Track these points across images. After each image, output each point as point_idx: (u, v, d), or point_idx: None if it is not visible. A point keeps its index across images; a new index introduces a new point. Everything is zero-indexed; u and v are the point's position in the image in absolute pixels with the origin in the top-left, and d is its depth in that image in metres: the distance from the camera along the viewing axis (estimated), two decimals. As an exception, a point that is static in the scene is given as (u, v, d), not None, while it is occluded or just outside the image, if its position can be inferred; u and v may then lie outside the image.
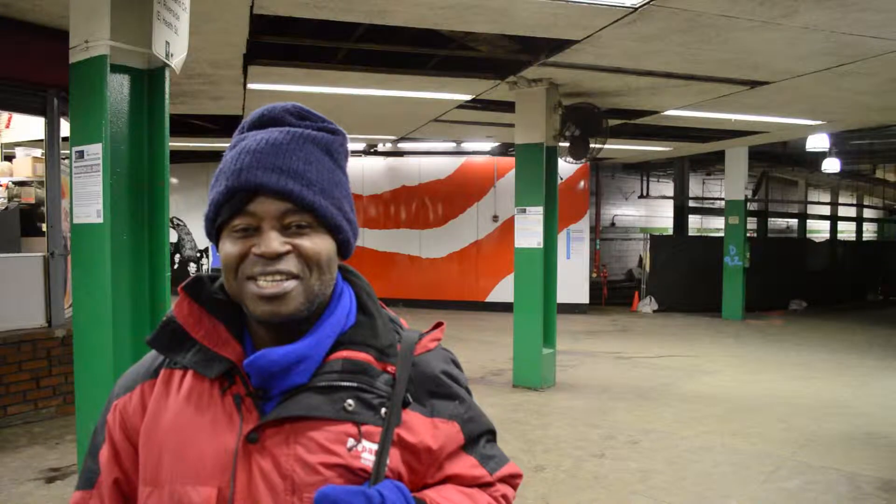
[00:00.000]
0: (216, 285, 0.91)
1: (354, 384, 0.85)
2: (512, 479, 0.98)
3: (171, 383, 0.89)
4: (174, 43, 3.14)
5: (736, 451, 4.80)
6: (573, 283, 12.16)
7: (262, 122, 0.86)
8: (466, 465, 0.92)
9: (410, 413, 0.88)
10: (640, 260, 14.86)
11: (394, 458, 0.85)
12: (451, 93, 7.13)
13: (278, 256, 0.81)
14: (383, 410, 0.85)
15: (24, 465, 4.26)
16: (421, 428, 0.88)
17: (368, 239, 13.03)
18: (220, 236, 0.86)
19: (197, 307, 0.88)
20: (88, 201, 3.07)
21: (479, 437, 0.95)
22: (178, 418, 0.86)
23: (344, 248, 0.89)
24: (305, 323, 0.86)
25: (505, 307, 10.87)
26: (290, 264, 0.82)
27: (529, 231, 6.69)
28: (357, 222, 0.92)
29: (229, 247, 0.83)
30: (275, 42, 5.55)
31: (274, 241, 0.81)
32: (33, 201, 6.15)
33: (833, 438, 5.12)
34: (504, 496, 0.95)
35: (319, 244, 0.84)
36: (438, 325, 0.99)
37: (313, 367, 0.85)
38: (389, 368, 0.88)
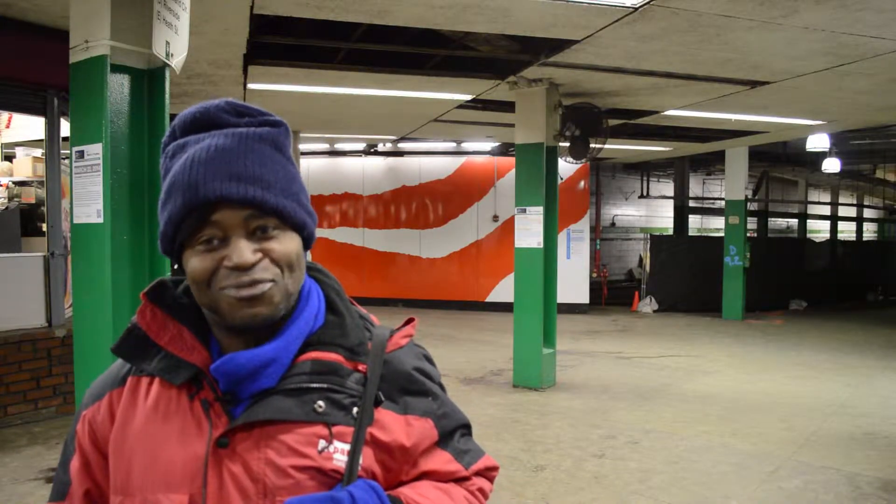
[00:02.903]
0: (180, 289, 0.89)
1: (324, 385, 0.84)
2: (488, 472, 0.98)
3: (138, 391, 0.88)
4: (174, 43, 3.14)
5: (736, 451, 4.80)
6: (573, 283, 12.15)
7: (199, 125, 0.82)
8: (441, 460, 0.92)
9: (383, 411, 0.87)
10: (640, 260, 14.86)
11: (367, 458, 0.84)
12: (451, 93, 7.13)
13: (251, 265, 0.80)
14: (355, 410, 0.85)
15: (24, 465, 4.26)
16: (394, 426, 0.87)
17: (368, 239, 13.03)
18: (181, 252, 0.83)
19: (161, 313, 0.87)
20: (88, 201, 3.07)
21: (453, 431, 0.95)
22: (147, 426, 0.85)
23: (308, 242, 0.88)
24: (273, 325, 0.85)
25: (505, 307, 10.87)
26: (265, 271, 0.81)
27: (529, 231, 6.69)
28: (315, 212, 0.90)
29: (197, 262, 0.80)
30: (275, 42, 5.55)
31: (245, 252, 0.79)
32: (33, 201, 6.15)
33: (833, 438, 5.12)
34: (480, 489, 0.95)
35: (288, 245, 0.83)
36: (410, 320, 0.99)
37: (282, 369, 0.84)
38: (360, 367, 0.88)
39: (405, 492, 0.87)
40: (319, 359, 0.86)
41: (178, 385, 0.85)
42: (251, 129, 0.82)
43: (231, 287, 0.79)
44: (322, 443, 0.82)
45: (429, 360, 0.97)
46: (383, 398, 0.88)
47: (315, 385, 0.84)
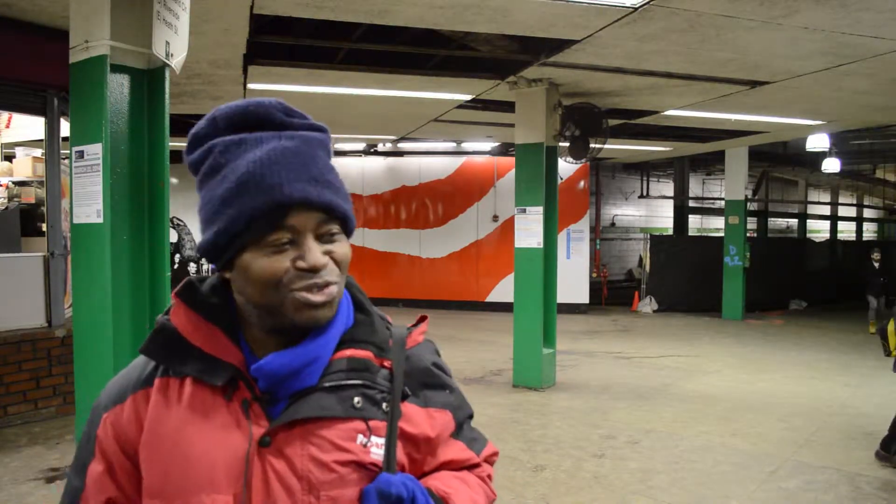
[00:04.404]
0: (205, 289, 0.90)
1: (359, 382, 0.87)
2: (492, 458, 1.04)
3: (169, 392, 0.87)
4: (174, 43, 3.14)
5: (736, 451, 4.80)
6: (573, 283, 12.15)
7: (252, 120, 0.83)
8: (457, 449, 0.96)
9: (408, 405, 0.90)
10: (640, 260, 14.86)
11: (398, 450, 0.88)
12: (451, 93, 7.13)
13: (323, 267, 0.82)
14: (384, 405, 0.88)
15: (24, 465, 4.26)
16: (418, 419, 0.91)
17: (368, 239, 13.03)
18: (239, 252, 0.82)
19: (193, 314, 0.87)
20: (88, 201, 3.07)
21: (463, 422, 0.99)
22: (184, 428, 0.84)
23: None
24: None
25: (505, 307, 10.87)
26: (332, 273, 0.84)
27: (529, 231, 6.69)
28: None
29: (267, 263, 0.81)
30: (275, 42, 5.55)
31: (318, 255, 0.82)
32: (33, 201, 6.15)
33: (833, 438, 5.12)
34: (489, 475, 1.01)
35: (346, 248, 0.87)
36: (423, 318, 1.02)
37: (322, 368, 0.86)
38: (386, 363, 0.91)
39: (433, 483, 0.90)
40: (354, 356, 0.89)
41: (215, 386, 0.85)
42: (310, 133, 0.85)
43: (302, 290, 0.81)
44: (361, 437, 0.85)
45: (439, 354, 1.02)
46: (410, 393, 0.91)
47: (352, 382, 0.87)
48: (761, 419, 5.61)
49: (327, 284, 0.82)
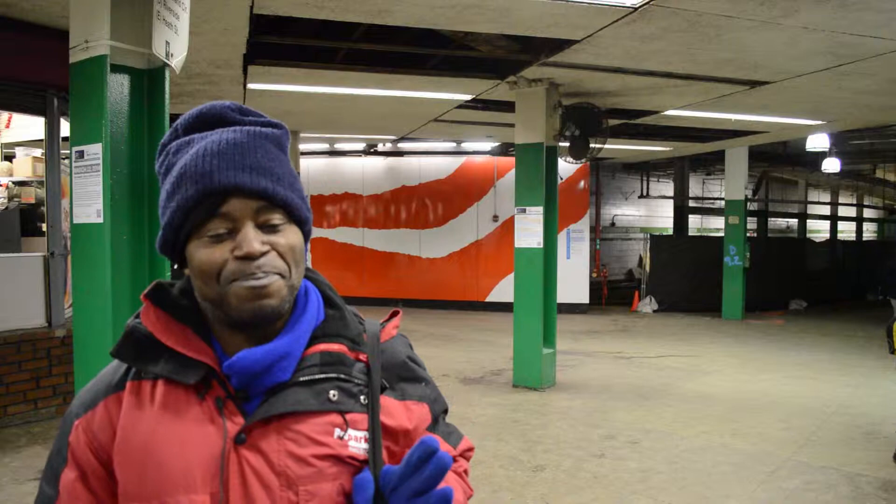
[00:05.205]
0: (176, 290, 0.90)
1: (334, 375, 0.87)
2: (467, 453, 1.04)
3: (141, 395, 0.86)
4: (174, 43, 3.14)
5: (736, 451, 4.80)
6: (573, 283, 12.15)
7: (204, 121, 0.86)
8: None
9: (385, 398, 0.91)
10: (640, 260, 14.86)
11: None
12: (451, 93, 7.13)
13: (260, 255, 0.81)
14: (362, 398, 0.88)
15: (24, 465, 4.26)
16: (397, 411, 0.91)
17: (368, 239, 13.03)
18: (185, 245, 0.85)
19: (164, 314, 0.88)
20: (88, 201, 3.07)
21: (439, 415, 0.99)
22: (158, 429, 0.84)
23: (306, 239, 0.91)
24: (278, 322, 0.86)
25: (505, 307, 10.87)
26: (272, 263, 0.82)
27: (529, 231, 6.69)
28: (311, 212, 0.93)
29: (205, 254, 0.82)
30: (275, 42, 5.55)
31: (254, 242, 0.81)
32: (33, 201, 6.15)
33: (833, 438, 5.12)
34: (465, 471, 1.01)
35: (293, 239, 0.85)
36: (396, 312, 1.02)
37: (294, 363, 0.86)
38: (361, 357, 0.91)
39: None
40: (327, 350, 0.89)
41: (187, 385, 0.85)
42: (259, 128, 0.86)
43: (241, 279, 0.81)
44: (338, 431, 0.85)
45: (412, 347, 1.02)
46: (387, 385, 0.92)
47: (326, 375, 0.87)
48: (761, 419, 5.61)
49: (268, 275, 0.81)
